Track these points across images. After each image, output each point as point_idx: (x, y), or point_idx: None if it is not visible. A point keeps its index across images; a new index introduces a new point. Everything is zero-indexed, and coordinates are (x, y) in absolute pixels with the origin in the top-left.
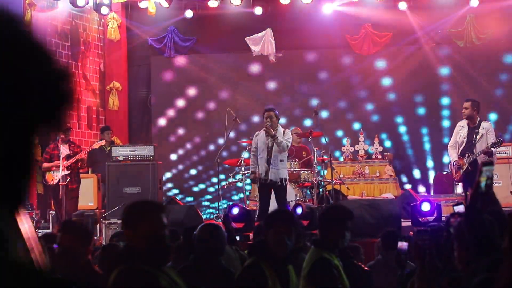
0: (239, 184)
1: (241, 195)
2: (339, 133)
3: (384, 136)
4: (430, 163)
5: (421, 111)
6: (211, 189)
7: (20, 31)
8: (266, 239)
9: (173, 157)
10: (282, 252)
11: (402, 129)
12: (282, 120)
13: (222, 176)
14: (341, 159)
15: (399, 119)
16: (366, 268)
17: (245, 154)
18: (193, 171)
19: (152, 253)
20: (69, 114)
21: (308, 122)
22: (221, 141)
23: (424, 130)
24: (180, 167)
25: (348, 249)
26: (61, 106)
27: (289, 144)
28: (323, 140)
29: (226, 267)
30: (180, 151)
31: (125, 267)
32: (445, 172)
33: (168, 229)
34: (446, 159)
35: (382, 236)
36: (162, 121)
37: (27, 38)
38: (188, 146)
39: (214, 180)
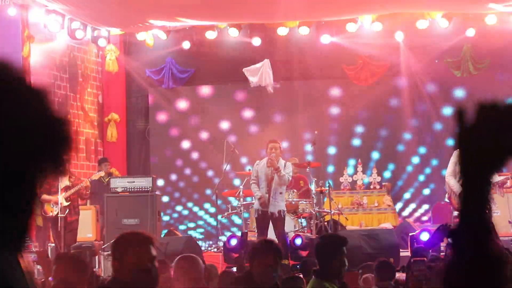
0: (236, 218)
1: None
2: (338, 163)
3: (382, 166)
4: (429, 193)
5: (419, 141)
6: (210, 220)
7: (19, 81)
8: (251, 271)
9: (172, 187)
10: (268, 284)
11: (400, 158)
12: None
13: (221, 207)
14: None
15: (398, 150)
16: None
17: (238, 182)
18: (191, 202)
19: (138, 285)
20: (69, 159)
21: (306, 152)
22: (219, 172)
23: (423, 160)
24: (179, 197)
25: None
26: (62, 152)
27: (290, 178)
28: (320, 170)
29: None
30: (179, 182)
31: None
32: (443, 202)
33: (157, 261)
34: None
35: (377, 267)
36: (160, 153)
37: (25, 88)
38: (187, 176)
39: (213, 211)
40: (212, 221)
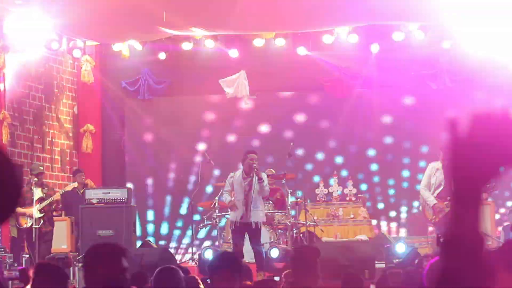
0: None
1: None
2: (313, 174)
3: (358, 178)
4: (404, 205)
5: (394, 153)
6: (185, 231)
7: None
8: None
9: (148, 198)
10: None
11: (376, 171)
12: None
13: (196, 218)
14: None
15: (373, 161)
16: None
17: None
18: (167, 213)
19: None
20: (17, 202)
21: (281, 164)
22: (194, 183)
23: (398, 172)
24: (154, 208)
25: None
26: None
27: (268, 189)
28: (295, 181)
29: None
30: (155, 193)
31: None
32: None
33: (129, 273)
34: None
35: (343, 279)
36: (136, 163)
37: None
38: (163, 188)
39: (188, 222)
40: (187, 232)
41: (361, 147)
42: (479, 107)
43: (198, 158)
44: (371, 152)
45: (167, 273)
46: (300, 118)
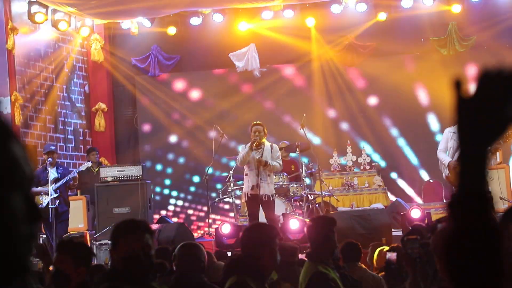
0: (229, 200)
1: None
2: (327, 145)
3: (372, 146)
4: (419, 172)
5: (408, 120)
6: (201, 207)
7: None
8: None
9: (162, 174)
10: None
11: (390, 138)
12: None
13: (211, 193)
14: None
15: (386, 129)
16: (356, 280)
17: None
18: (181, 188)
19: (128, 273)
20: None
21: (295, 136)
22: (209, 158)
23: (413, 139)
24: (169, 184)
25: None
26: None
27: (281, 163)
28: (309, 152)
29: (210, 284)
30: (168, 169)
31: (105, 286)
32: (433, 181)
33: (152, 249)
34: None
35: (342, 248)
36: (149, 140)
37: None
38: (176, 163)
39: (204, 197)
40: (203, 207)
41: (373, 115)
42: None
43: (211, 133)
44: (384, 120)
45: (189, 248)
46: (311, 88)
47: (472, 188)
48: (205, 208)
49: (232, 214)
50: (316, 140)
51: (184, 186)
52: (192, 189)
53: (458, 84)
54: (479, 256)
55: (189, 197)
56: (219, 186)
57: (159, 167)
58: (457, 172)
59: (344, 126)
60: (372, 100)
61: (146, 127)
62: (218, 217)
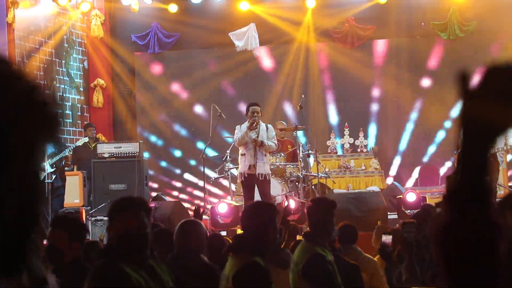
0: (225, 181)
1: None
2: (324, 126)
3: (369, 129)
4: (414, 156)
5: (406, 103)
6: (197, 185)
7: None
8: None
9: (158, 153)
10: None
11: (387, 121)
12: (267, 115)
13: (207, 172)
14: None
15: (385, 112)
16: (353, 262)
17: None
18: (178, 167)
19: (124, 250)
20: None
21: (293, 116)
22: (206, 137)
23: (411, 122)
24: (165, 163)
25: None
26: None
27: (277, 143)
28: (307, 134)
29: (208, 263)
30: (166, 147)
31: (100, 263)
32: (430, 164)
33: (148, 227)
34: (430, 151)
35: (338, 230)
36: (146, 117)
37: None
38: (173, 142)
39: (200, 175)
40: (199, 185)
41: (372, 98)
42: (493, 57)
43: (208, 112)
44: (383, 103)
45: (190, 226)
46: (310, 70)
47: (472, 181)
48: (201, 186)
49: (228, 194)
50: (313, 121)
51: (180, 163)
52: (188, 165)
53: (463, 77)
54: (476, 250)
55: (185, 173)
56: (214, 165)
57: (156, 143)
58: (459, 164)
59: (343, 107)
60: (373, 82)
61: (144, 104)
62: (213, 196)
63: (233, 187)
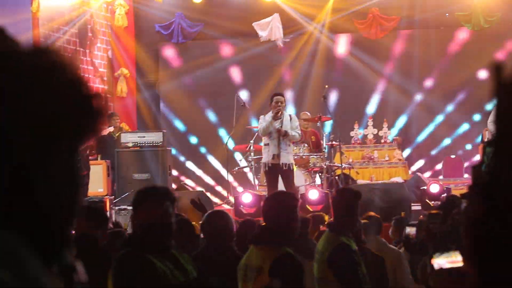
0: (248, 170)
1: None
2: (348, 117)
3: (393, 120)
4: (439, 147)
5: (431, 94)
6: (221, 175)
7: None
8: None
9: (182, 142)
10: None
11: (411, 113)
12: (291, 105)
13: (231, 162)
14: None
15: (408, 103)
16: (377, 254)
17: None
18: (201, 156)
19: (147, 240)
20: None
21: (317, 107)
22: (230, 126)
23: (435, 114)
24: (189, 151)
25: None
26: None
27: (300, 133)
28: (331, 124)
29: (238, 252)
30: (190, 137)
31: (124, 252)
32: (454, 156)
33: (172, 216)
34: (455, 143)
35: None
36: (170, 107)
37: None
38: (197, 131)
39: (223, 166)
40: (223, 175)
41: (396, 89)
42: None
43: (232, 102)
44: (406, 94)
45: (217, 216)
46: (335, 60)
47: (507, 175)
48: (225, 177)
49: (253, 184)
50: (337, 111)
51: (204, 153)
52: (212, 155)
53: (497, 69)
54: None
55: (209, 163)
56: (239, 155)
57: (180, 133)
58: (488, 156)
59: (368, 98)
60: (398, 73)
61: (168, 93)
62: (237, 185)
63: (250, 177)
